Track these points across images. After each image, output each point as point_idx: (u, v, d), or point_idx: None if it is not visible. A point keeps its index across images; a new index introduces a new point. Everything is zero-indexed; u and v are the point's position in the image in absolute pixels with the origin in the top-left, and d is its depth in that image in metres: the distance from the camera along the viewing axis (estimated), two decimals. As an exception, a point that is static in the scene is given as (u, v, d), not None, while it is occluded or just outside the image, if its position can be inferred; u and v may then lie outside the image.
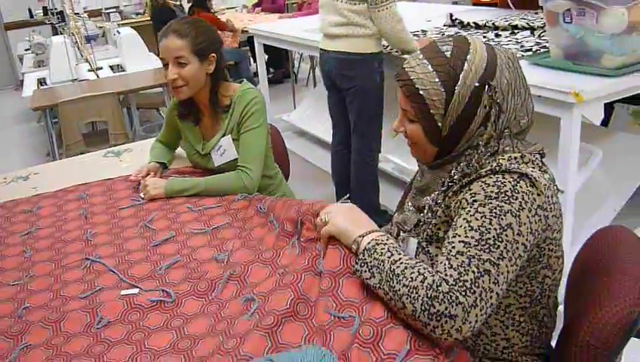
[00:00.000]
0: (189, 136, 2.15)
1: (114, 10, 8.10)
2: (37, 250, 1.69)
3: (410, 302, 1.02)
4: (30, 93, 4.20)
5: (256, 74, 5.46)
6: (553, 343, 1.30)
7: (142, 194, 1.98)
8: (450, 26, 3.70)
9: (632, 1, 2.20)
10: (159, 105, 4.98)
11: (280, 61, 6.96)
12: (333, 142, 3.45)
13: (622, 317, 1.08)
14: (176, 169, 2.19)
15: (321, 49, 3.16)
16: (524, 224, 1.06)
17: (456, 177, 1.18)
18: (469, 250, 1.04)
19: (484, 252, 1.03)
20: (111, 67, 4.92)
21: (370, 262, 1.13)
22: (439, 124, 1.19)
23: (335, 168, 3.50)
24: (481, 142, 1.17)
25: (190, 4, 6.40)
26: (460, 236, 1.07)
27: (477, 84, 1.15)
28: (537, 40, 2.97)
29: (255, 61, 5.58)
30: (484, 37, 3.23)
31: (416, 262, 1.09)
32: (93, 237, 1.73)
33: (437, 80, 1.16)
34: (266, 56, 6.88)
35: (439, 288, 1.01)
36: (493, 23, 3.45)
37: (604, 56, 2.29)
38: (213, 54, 1.98)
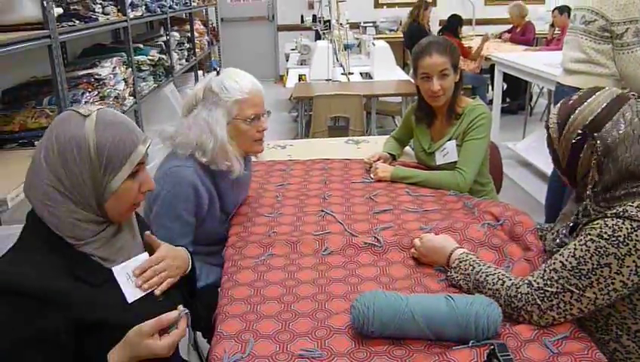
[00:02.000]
0: (420, 136, 2.51)
1: (371, 24, 8.83)
2: (286, 197, 2.18)
3: (495, 299, 1.35)
4: (292, 85, 4.94)
5: (491, 102, 5.66)
6: None
7: (372, 175, 2.38)
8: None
9: None
10: (396, 113, 5.45)
11: (517, 92, 7.03)
12: (552, 175, 3.55)
13: None
14: (403, 162, 2.56)
15: (557, 83, 3.30)
16: (627, 266, 1.25)
17: (582, 217, 1.39)
18: (562, 271, 1.32)
19: (574, 278, 1.30)
20: (360, 74, 5.51)
21: (458, 276, 1.50)
22: (560, 158, 1.43)
23: (548, 200, 3.59)
24: (589, 188, 1.36)
25: (441, 27, 6.80)
26: (562, 257, 1.33)
27: (580, 131, 1.36)
28: None
29: (492, 89, 5.79)
30: None
31: (495, 270, 1.43)
32: (329, 198, 2.17)
33: (555, 120, 1.42)
34: (505, 86, 7.01)
35: (519, 289, 1.35)
36: None
37: None
38: (459, 67, 2.33)
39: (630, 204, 1.31)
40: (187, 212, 1.82)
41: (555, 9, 7.00)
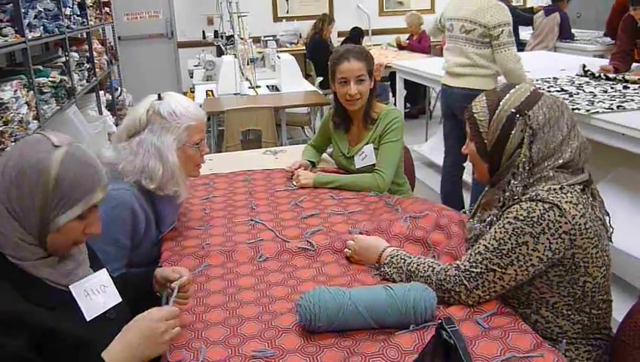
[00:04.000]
0: (338, 141, 2.61)
1: (272, 38, 8.93)
2: (213, 210, 2.21)
3: (427, 285, 1.47)
4: (202, 101, 4.93)
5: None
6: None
7: (294, 183, 2.45)
8: (581, 75, 3.93)
9: None
10: (305, 123, 5.57)
11: (417, 98, 7.35)
12: (444, 165, 3.88)
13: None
14: (323, 167, 2.65)
15: (444, 84, 3.66)
16: (542, 243, 1.41)
17: (506, 199, 1.52)
18: (485, 253, 1.46)
19: (496, 257, 1.44)
20: (267, 87, 5.58)
21: (391, 270, 1.61)
22: (485, 142, 1.56)
23: (443, 187, 3.97)
24: (520, 165, 1.49)
25: (343, 39, 7.02)
26: (485, 240, 1.48)
27: (513, 110, 1.52)
28: (664, 94, 3.15)
29: (394, 95, 6.04)
30: (612, 87, 3.44)
31: (425, 259, 1.57)
32: (256, 207, 2.22)
33: (485, 105, 1.57)
34: (405, 92, 7.32)
35: (447, 273, 1.49)
36: (623, 77, 3.64)
37: None
38: (373, 74, 2.46)
39: (541, 188, 1.46)
40: (124, 236, 1.79)
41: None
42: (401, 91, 5.41)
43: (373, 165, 2.44)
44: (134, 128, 1.85)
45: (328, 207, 2.19)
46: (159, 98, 1.88)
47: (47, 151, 1.16)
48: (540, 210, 1.42)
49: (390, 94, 7.40)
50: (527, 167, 1.50)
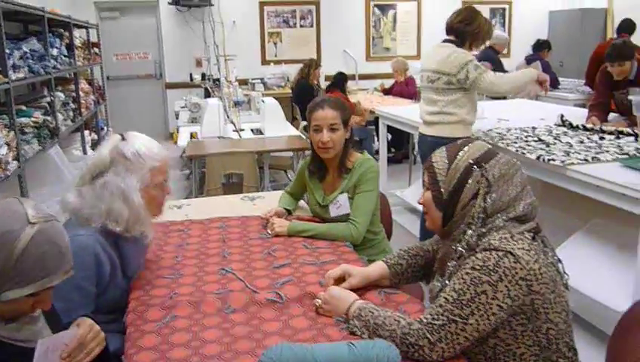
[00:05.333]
0: (313, 190, 2.62)
1: (259, 80, 9.04)
2: (185, 258, 2.19)
3: (392, 339, 1.48)
4: (185, 144, 4.95)
5: (378, 152, 5.94)
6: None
7: (269, 230, 2.44)
8: (559, 125, 3.99)
9: None
10: (288, 167, 5.59)
11: (401, 142, 7.42)
12: (423, 210, 3.86)
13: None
14: (298, 216, 2.65)
15: (420, 133, 3.75)
16: (501, 291, 1.42)
17: (463, 250, 1.54)
18: (446, 305, 1.47)
19: (457, 308, 1.45)
20: (252, 130, 5.61)
21: (359, 323, 1.59)
22: (442, 190, 1.60)
23: (422, 233, 3.97)
24: (475, 215, 1.54)
25: (329, 83, 7.12)
26: (445, 293, 1.49)
27: (471, 161, 1.58)
28: (638, 146, 3.20)
29: (378, 140, 6.09)
30: (589, 138, 3.49)
31: (393, 313, 1.56)
32: (229, 255, 2.20)
33: (444, 155, 1.62)
34: (390, 137, 7.39)
35: (411, 326, 1.48)
36: (600, 128, 3.70)
37: (690, 166, 2.51)
38: (350, 124, 2.50)
39: (493, 238, 1.50)
40: (88, 281, 1.77)
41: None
42: (384, 137, 5.46)
43: (348, 214, 2.45)
44: (98, 169, 1.84)
45: (300, 257, 2.18)
46: (123, 138, 1.88)
47: (20, 225, 1.15)
48: (494, 258, 1.44)
49: (375, 138, 7.46)
50: (481, 217, 1.54)
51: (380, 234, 2.64)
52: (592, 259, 3.03)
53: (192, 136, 5.36)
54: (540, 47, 7.39)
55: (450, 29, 3.56)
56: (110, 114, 8.89)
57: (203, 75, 7.69)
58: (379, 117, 5.51)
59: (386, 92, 8.15)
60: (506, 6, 10.35)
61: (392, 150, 7.44)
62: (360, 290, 1.84)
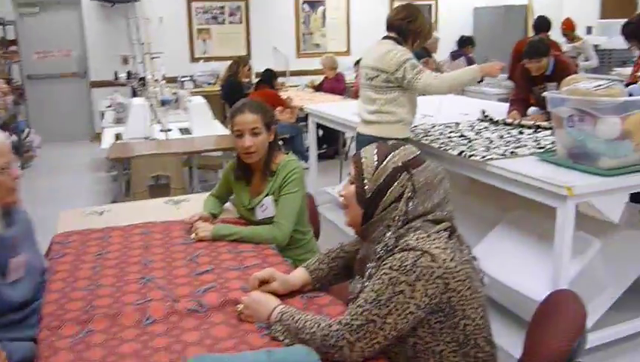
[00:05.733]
0: (239, 193, 2.59)
1: (189, 78, 8.87)
2: (104, 267, 2.12)
3: (313, 341, 1.49)
4: (108, 146, 4.80)
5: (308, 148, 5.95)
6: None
7: (192, 235, 2.40)
8: (481, 120, 4.10)
9: (624, 112, 2.55)
10: (218, 167, 5.51)
11: (334, 138, 7.46)
12: None
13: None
14: (223, 219, 2.62)
15: (357, 132, 3.61)
16: (418, 290, 1.45)
17: (382, 251, 1.56)
18: (365, 305, 1.48)
19: (375, 308, 1.47)
20: (180, 130, 5.50)
21: (281, 328, 1.59)
22: (366, 188, 1.62)
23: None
24: (396, 218, 1.56)
25: (258, 79, 7.06)
26: (364, 294, 1.51)
27: (400, 164, 1.60)
28: (554, 138, 3.32)
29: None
30: (509, 133, 3.61)
31: (314, 316, 1.57)
32: (150, 263, 2.15)
33: (375, 153, 1.63)
34: (321, 132, 7.41)
35: (331, 328, 1.49)
36: (519, 122, 3.83)
37: (600, 158, 2.62)
38: (273, 127, 2.48)
39: (410, 238, 1.52)
40: None
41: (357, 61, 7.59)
42: (313, 134, 5.47)
43: (274, 217, 2.43)
44: None
45: (224, 262, 2.15)
46: None
47: None
48: (411, 258, 1.46)
49: (306, 135, 7.47)
50: (401, 220, 1.56)
51: (308, 234, 2.64)
52: (513, 249, 3.13)
53: (117, 137, 5.21)
54: (464, 44, 7.59)
55: (391, 25, 3.42)
56: (32, 115, 8.54)
57: (129, 74, 7.49)
58: (308, 114, 5.51)
59: (317, 88, 8.17)
60: (432, 2, 10.56)
61: (324, 146, 7.47)
62: (282, 295, 1.83)
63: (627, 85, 3.57)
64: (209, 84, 9.01)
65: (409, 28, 3.37)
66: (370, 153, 1.66)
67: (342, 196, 1.71)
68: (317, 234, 2.82)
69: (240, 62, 7.25)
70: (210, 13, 9.43)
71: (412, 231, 1.55)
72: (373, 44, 3.49)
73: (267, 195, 2.48)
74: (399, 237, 1.55)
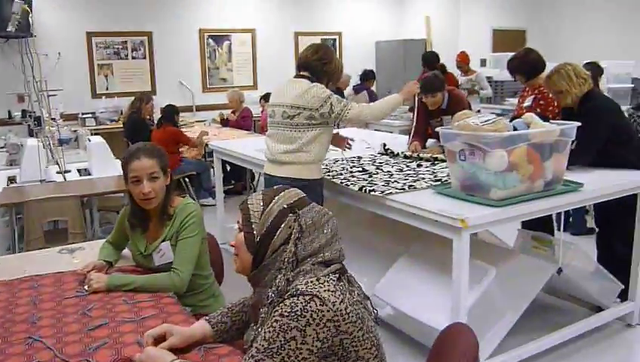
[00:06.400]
0: (135, 239, 2.50)
1: (90, 115, 8.59)
2: (-13, 329, 1.98)
3: None
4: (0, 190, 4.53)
5: (216, 185, 5.88)
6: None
7: (86, 287, 2.29)
8: (382, 154, 4.21)
9: (510, 145, 2.69)
10: (119, 208, 5.31)
11: (241, 173, 7.42)
12: None
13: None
14: (120, 267, 2.52)
15: (266, 173, 3.45)
16: (310, 335, 1.44)
17: (273, 295, 1.55)
18: (257, 355, 1.46)
19: (267, 357, 1.45)
20: (79, 170, 5.28)
21: None
22: (254, 233, 1.62)
23: None
24: (285, 260, 1.57)
25: (160, 116, 6.92)
26: (257, 343, 1.49)
27: (285, 206, 1.62)
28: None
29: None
30: (408, 166, 3.72)
31: None
32: (38, 320, 2.02)
33: (260, 198, 1.66)
34: (229, 168, 7.35)
35: None
36: (418, 155, 3.96)
37: (491, 190, 2.74)
38: (169, 170, 2.43)
39: (300, 283, 1.52)
40: None
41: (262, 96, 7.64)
42: (219, 171, 5.42)
43: (172, 262, 2.37)
44: None
45: (119, 314, 2.06)
46: None
47: None
48: (301, 303, 1.46)
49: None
50: (291, 262, 1.56)
51: (209, 278, 2.59)
52: (415, 280, 3.20)
53: (10, 180, 4.94)
54: (367, 77, 7.80)
55: (305, 65, 3.38)
56: None
57: (24, 112, 7.13)
58: (212, 151, 5.46)
59: (224, 123, 8.13)
60: (336, 37, 10.82)
61: (233, 182, 7.41)
62: (181, 348, 1.77)
63: (514, 118, 3.77)
64: (112, 120, 8.76)
65: (324, 70, 3.36)
66: (256, 198, 1.67)
67: (232, 246, 1.69)
68: (220, 277, 2.77)
69: (143, 99, 7.10)
70: (113, 49, 9.22)
71: (302, 275, 1.55)
72: (286, 83, 3.40)
73: (164, 240, 2.42)
74: (289, 281, 1.55)
